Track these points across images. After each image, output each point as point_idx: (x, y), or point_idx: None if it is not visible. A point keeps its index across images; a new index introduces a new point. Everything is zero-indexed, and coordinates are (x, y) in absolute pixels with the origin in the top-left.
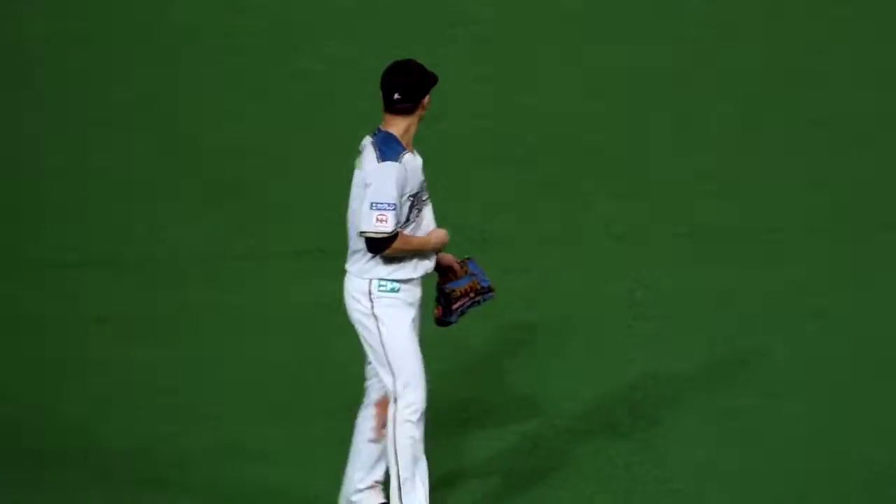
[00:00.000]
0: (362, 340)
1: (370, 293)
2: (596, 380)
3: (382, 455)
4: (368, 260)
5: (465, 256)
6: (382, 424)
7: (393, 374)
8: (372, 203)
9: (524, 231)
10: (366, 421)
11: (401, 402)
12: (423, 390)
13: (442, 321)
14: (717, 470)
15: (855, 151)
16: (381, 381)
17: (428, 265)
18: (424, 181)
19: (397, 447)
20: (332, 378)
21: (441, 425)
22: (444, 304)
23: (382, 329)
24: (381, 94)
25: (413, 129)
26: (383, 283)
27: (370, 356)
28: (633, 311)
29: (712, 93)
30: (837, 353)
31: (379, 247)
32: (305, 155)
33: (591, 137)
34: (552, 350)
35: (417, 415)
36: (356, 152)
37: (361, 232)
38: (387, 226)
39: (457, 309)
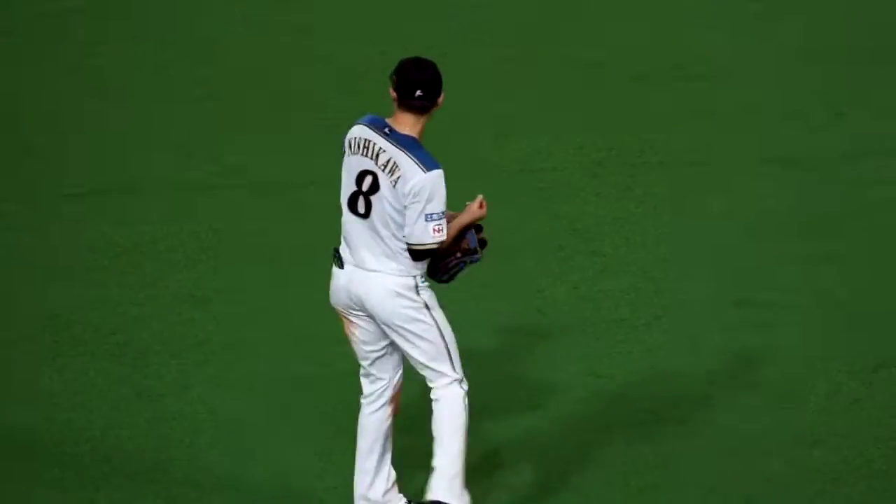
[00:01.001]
0: (408, 338)
1: (416, 287)
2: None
3: (389, 451)
4: (408, 259)
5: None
6: (395, 413)
7: (452, 363)
8: (428, 215)
9: None
10: (374, 419)
11: (466, 387)
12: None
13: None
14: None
15: None
16: (397, 372)
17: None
18: None
19: (457, 432)
20: None
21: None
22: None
23: (437, 317)
24: (395, 90)
25: (423, 130)
26: (423, 276)
27: (416, 352)
28: None
29: None
30: None
31: (426, 255)
32: None
33: None
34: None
35: (467, 400)
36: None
37: (414, 245)
38: (442, 235)
39: (442, 266)
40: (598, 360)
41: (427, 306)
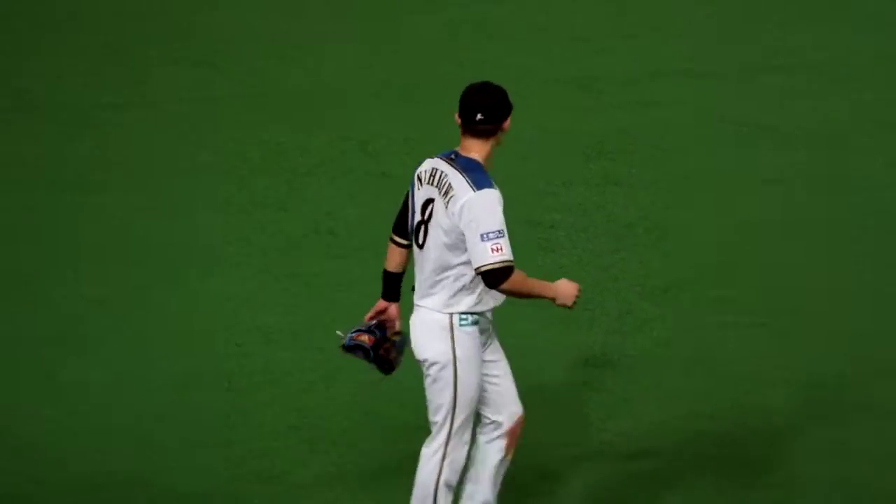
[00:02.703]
0: (428, 381)
1: (451, 328)
2: None
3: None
4: (454, 294)
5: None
6: (512, 445)
7: (452, 419)
8: (482, 234)
9: None
10: (492, 454)
11: (447, 462)
12: (468, 443)
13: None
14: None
15: None
16: (510, 411)
17: (499, 296)
18: None
19: (430, 495)
20: None
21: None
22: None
23: (459, 370)
24: (459, 115)
25: (492, 156)
26: (464, 317)
27: (429, 396)
28: None
29: None
30: None
31: (499, 279)
32: None
33: None
34: None
35: (458, 475)
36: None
37: (479, 267)
38: (504, 254)
39: (349, 348)
40: None
41: (454, 355)
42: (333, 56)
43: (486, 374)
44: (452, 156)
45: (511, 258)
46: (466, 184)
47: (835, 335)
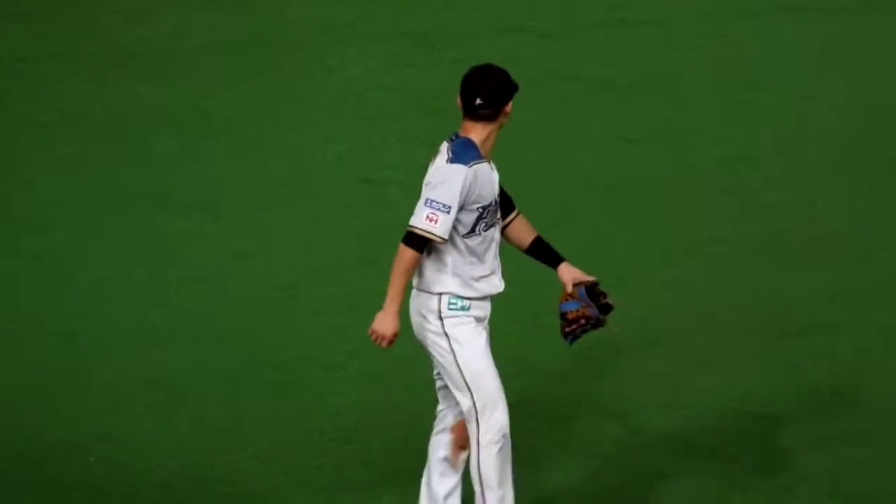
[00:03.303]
0: (435, 362)
1: (440, 311)
2: None
3: (460, 480)
4: (436, 272)
5: (587, 281)
6: (459, 446)
7: (472, 396)
8: (428, 199)
9: None
10: (439, 449)
11: (483, 426)
12: (505, 410)
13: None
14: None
15: None
16: (456, 404)
17: (497, 285)
18: (498, 199)
19: (482, 471)
20: None
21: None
22: (561, 323)
23: (456, 348)
24: (460, 98)
25: (492, 139)
26: (454, 300)
27: (445, 379)
28: None
29: None
30: None
31: (409, 243)
32: None
33: None
34: None
35: (501, 435)
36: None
37: (409, 225)
38: (435, 227)
39: (569, 332)
40: None
41: (447, 335)
42: (167, 12)
43: None
44: (453, 136)
45: (440, 235)
46: (446, 154)
47: (669, 287)
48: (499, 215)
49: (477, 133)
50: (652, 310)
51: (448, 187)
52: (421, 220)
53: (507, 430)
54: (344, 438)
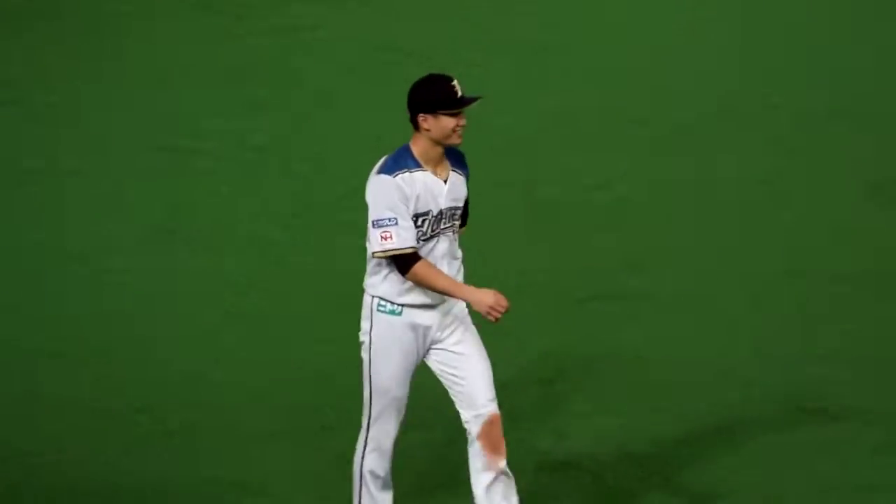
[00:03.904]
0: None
1: (371, 311)
2: None
3: (510, 486)
4: (375, 275)
5: None
6: (492, 450)
7: (369, 406)
8: (373, 221)
9: None
10: (475, 461)
11: (370, 437)
12: (395, 433)
13: None
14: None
15: None
16: (475, 413)
17: (435, 295)
18: (451, 210)
19: (356, 479)
20: None
21: None
22: None
23: (372, 356)
24: None
25: (430, 148)
26: (383, 303)
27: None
28: None
29: None
30: None
31: (399, 268)
32: None
33: None
34: None
35: (379, 450)
36: None
37: (372, 253)
38: (392, 242)
39: None
40: None
41: (370, 337)
42: None
43: (451, 373)
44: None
45: (402, 247)
46: (376, 166)
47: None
48: (449, 226)
49: (414, 141)
50: None
51: (380, 201)
52: (378, 243)
53: (388, 447)
54: None
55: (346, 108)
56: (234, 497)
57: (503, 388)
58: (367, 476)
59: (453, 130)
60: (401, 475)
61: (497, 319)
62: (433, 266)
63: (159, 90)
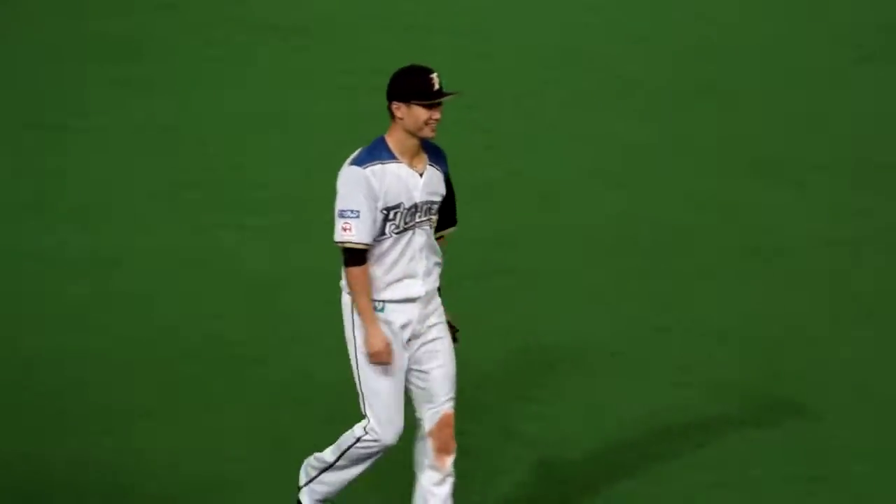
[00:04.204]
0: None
1: (353, 311)
2: None
3: (452, 486)
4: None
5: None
6: (440, 450)
7: (366, 406)
8: (338, 211)
9: None
10: (423, 457)
11: (369, 435)
12: (398, 428)
13: None
14: None
15: None
16: (432, 408)
17: (416, 290)
18: (427, 204)
19: (342, 443)
20: None
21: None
22: None
23: (359, 356)
24: None
25: (405, 139)
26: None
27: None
28: None
29: None
30: None
31: (345, 260)
32: None
33: None
34: None
35: (377, 447)
36: None
37: (333, 242)
38: (350, 234)
39: None
40: None
41: (354, 337)
42: None
43: (418, 369)
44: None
45: (358, 241)
46: (351, 156)
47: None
48: (425, 220)
49: (390, 132)
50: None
51: (347, 192)
52: (338, 233)
53: (386, 447)
54: None
55: (230, 87)
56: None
57: None
58: (350, 457)
59: (426, 123)
60: (392, 467)
61: (377, 364)
62: (367, 281)
63: (42, 66)
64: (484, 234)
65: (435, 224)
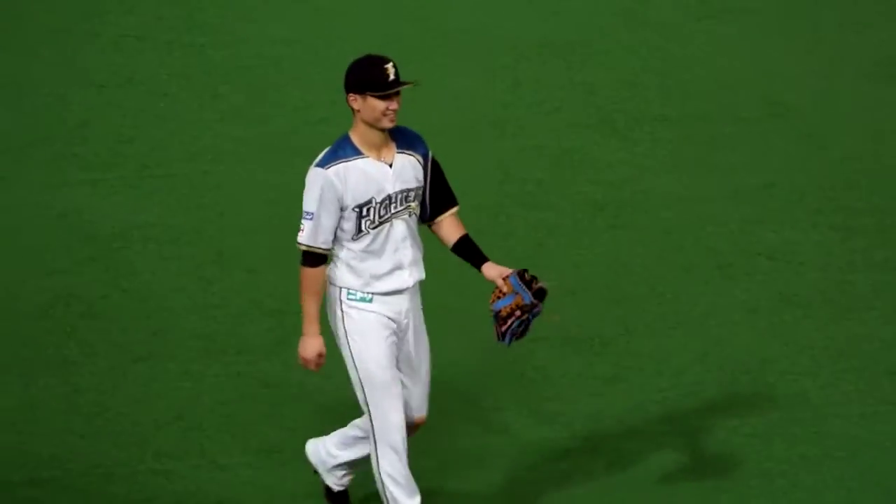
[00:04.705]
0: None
1: (340, 303)
2: None
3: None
4: (334, 265)
5: (514, 271)
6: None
7: (364, 394)
8: (303, 211)
9: None
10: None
11: (377, 428)
12: (400, 411)
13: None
14: None
15: None
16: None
17: (405, 280)
18: (402, 193)
19: (384, 474)
20: None
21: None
22: (495, 326)
23: (352, 343)
24: None
25: (367, 132)
26: (352, 292)
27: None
28: None
29: None
30: None
31: (303, 260)
32: None
33: None
34: None
35: (397, 436)
36: None
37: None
38: (303, 236)
39: (505, 332)
40: None
41: (345, 329)
42: None
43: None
44: None
45: (309, 244)
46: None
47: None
48: (403, 209)
49: (353, 127)
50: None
51: (306, 193)
52: (299, 234)
53: (400, 433)
54: None
55: (80, 43)
56: None
57: (237, 319)
58: (387, 481)
59: (383, 114)
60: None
61: (304, 367)
62: (320, 285)
63: None
64: None
65: (416, 212)
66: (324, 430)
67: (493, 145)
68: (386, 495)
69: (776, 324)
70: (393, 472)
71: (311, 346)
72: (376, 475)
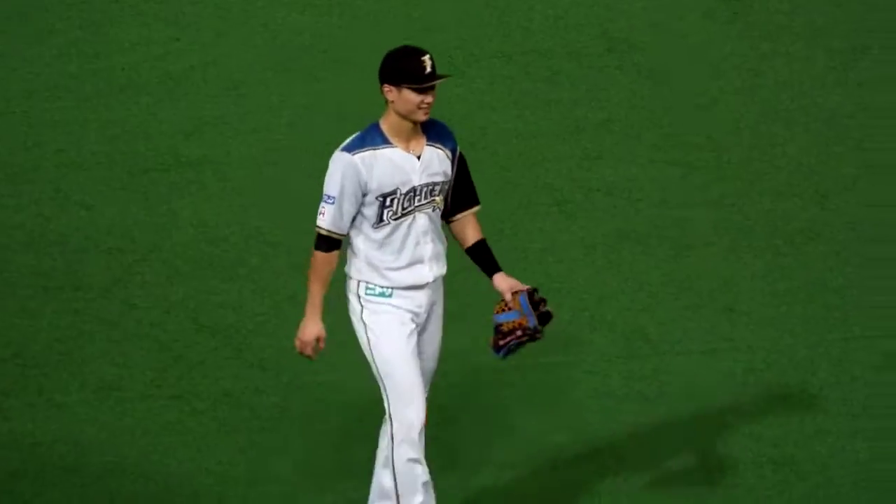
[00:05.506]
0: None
1: (359, 296)
2: None
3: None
4: (353, 257)
5: (524, 288)
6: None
7: (384, 389)
8: (323, 194)
9: None
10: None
11: (395, 423)
12: (420, 407)
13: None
14: None
15: None
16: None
17: (424, 275)
18: (428, 186)
19: (396, 471)
20: None
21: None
22: (493, 336)
23: (371, 337)
24: None
25: (398, 122)
26: (371, 286)
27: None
28: None
29: None
30: None
31: (319, 245)
32: None
33: None
34: None
35: (415, 432)
36: None
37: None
38: (322, 220)
39: (503, 346)
40: None
41: (363, 322)
42: None
43: None
44: None
45: (328, 228)
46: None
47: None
48: (426, 203)
49: (384, 116)
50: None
51: (330, 176)
52: (318, 217)
53: (420, 428)
54: None
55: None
56: None
57: (74, 256)
58: (402, 471)
59: (418, 107)
60: None
61: (299, 351)
62: (328, 271)
63: None
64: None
65: (441, 206)
66: (162, 365)
67: (333, 83)
68: (397, 490)
69: (614, 261)
70: (411, 467)
71: (310, 329)
72: (393, 467)
